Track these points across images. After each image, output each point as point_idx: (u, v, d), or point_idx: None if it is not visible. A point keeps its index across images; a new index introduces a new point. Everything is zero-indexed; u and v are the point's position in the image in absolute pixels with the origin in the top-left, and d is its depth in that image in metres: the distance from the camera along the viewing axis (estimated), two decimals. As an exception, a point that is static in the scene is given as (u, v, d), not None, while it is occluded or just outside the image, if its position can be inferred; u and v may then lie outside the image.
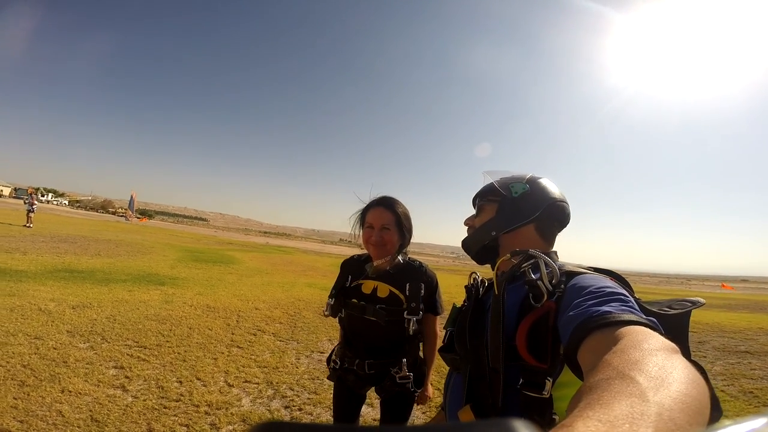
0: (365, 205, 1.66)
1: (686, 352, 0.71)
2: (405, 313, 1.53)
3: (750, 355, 5.65)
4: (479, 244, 1.04)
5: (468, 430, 0.20)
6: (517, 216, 0.97)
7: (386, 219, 1.58)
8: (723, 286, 38.90)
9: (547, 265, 0.76)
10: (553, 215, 0.99)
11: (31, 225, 16.18)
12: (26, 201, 18.43)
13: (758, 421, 0.22)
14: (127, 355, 3.54)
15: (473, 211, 1.12)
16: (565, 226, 1.03)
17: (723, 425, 0.23)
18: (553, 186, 1.02)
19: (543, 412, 0.69)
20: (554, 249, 1.01)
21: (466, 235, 1.10)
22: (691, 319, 0.82)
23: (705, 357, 5.45)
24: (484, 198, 1.07)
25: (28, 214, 16.93)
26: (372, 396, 2.74)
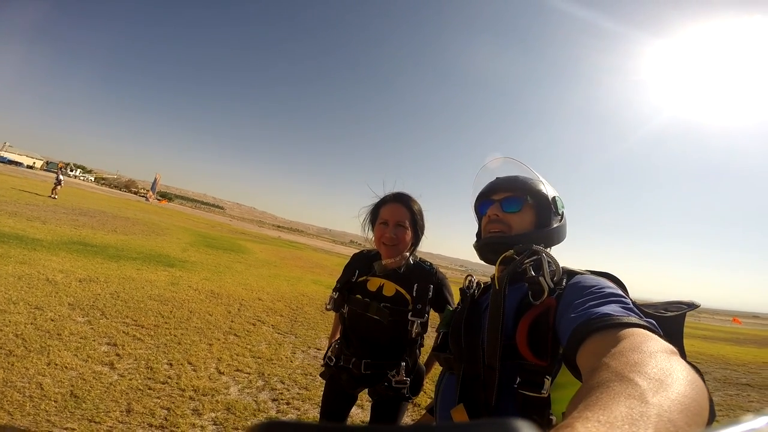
0: (378, 200, 1.58)
1: (682, 354, 0.69)
2: (410, 314, 1.44)
3: (750, 388, 5.64)
4: (506, 249, 0.88)
5: (468, 429, 0.20)
6: (561, 235, 0.95)
7: (402, 216, 1.49)
8: (734, 320, 37.77)
9: (550, 262, 0.76)
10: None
11: (56, 196, 16.69)
12: (54, 172, 19.18)
13: (758, 421, 0.22)
14: (123, 332, 3.52)
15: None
16: None
17: (723, 425, 0.22)
18: None
19: (541, 413, 0.68)
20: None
21: (497, 229, 0.94)
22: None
23: (705, 388, 5.48)
24: (526, 197, 0.94)
25: (54, 186, 17.55)
26: (363, 397, 2.63)
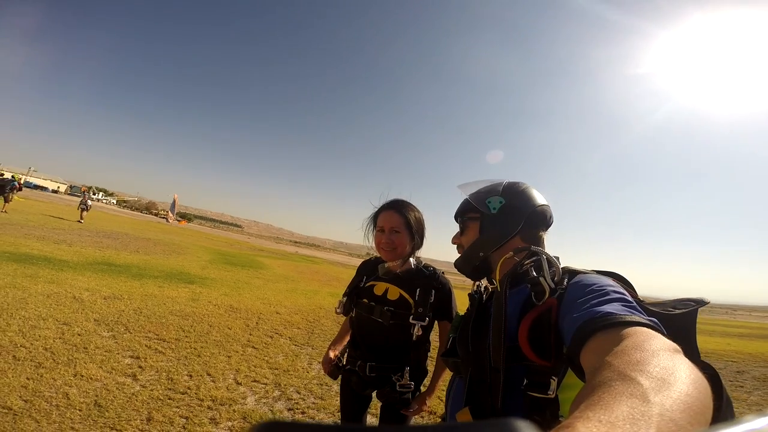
0: (377, 209, 1.66)
1: (693, 352, 0.70)
2: (411, 317, 1.49)
3: (795, 386, 5.35)
4: (471, 264, 1.02)
5: (469, 430, 0.20)
6: (500, 233, 0.95)
7: (396, 222, 1.57)
8: None
9: (550, 263, 0.78)
10: (535, 222, 0.96)
11: (82, 221, 17.29)
12: (79, 196, 19.79)
13: (758, 421, 0.22)
14: (146, 346, 3.62)
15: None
16: (549, 227, 1.00)
17: (723, 425, 0.22)
18: (530, 191, 0.99)
19: (548, 413, 0.68)
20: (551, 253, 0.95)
21: (458, 255, 1.08)
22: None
23: (743, 386, 5.17)
24: (464, 216, 1.05)
25: (81, 210, 18.10)
26: (375, 404, 2.63)
